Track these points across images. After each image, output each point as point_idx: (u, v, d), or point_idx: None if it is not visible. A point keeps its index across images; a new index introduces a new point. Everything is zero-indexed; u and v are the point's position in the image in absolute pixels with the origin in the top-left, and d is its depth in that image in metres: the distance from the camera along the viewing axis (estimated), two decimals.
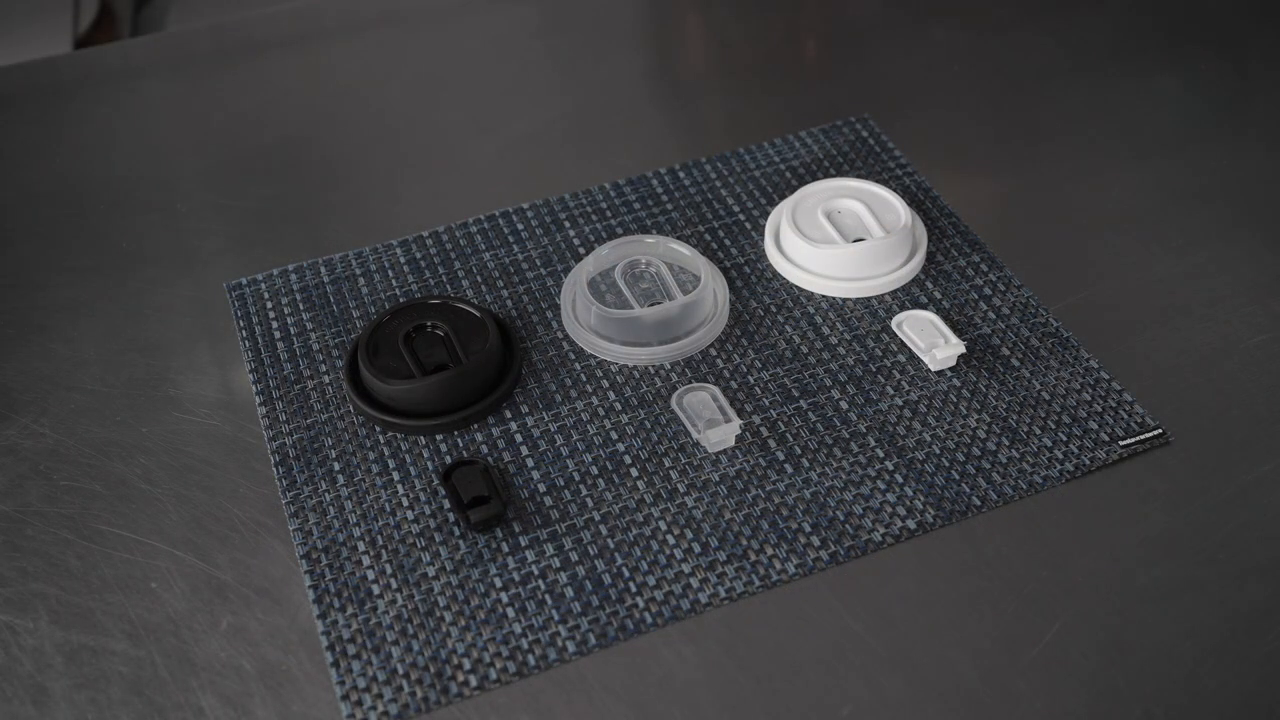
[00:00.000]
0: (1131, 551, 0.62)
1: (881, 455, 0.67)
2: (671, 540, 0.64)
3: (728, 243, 0.80)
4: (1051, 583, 0.61)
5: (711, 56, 1.04)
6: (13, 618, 0.62)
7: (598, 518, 0.65)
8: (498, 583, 0.62)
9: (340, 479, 0.67)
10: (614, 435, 0.69)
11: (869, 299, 0.76)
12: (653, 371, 0.72)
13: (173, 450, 0.69)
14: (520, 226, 0.82)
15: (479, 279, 0.79)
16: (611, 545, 0.64)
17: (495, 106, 0.94)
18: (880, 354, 0.72)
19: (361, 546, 0.64)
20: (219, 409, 0.72)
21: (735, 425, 0.67)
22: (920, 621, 0.60)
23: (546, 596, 0.62)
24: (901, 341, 0.73)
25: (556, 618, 0.61)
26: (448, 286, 0.78)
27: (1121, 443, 0.67)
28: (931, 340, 0.72)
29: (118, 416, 0.71)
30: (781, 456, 0.67)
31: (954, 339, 0.72)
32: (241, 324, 0.76)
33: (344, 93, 0.97)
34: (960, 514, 0.64)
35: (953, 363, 0.71)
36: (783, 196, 0.83)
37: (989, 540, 0.63)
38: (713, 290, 0.74)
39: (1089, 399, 0.69)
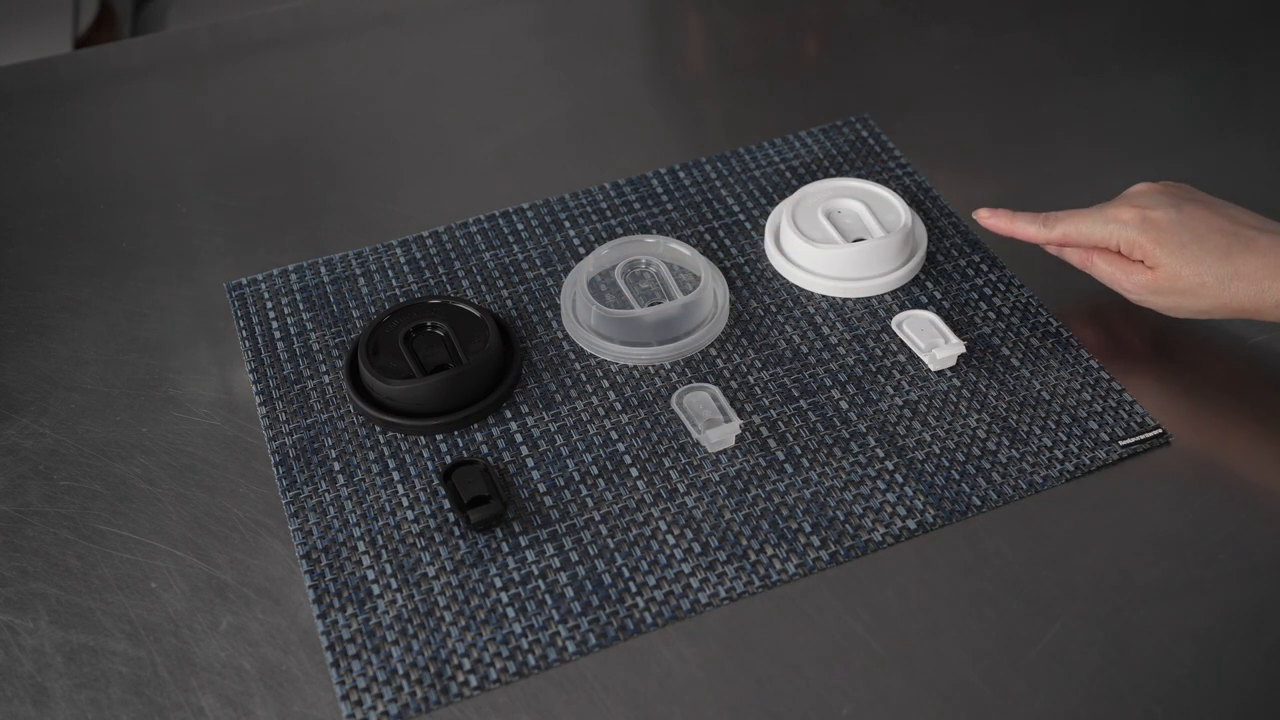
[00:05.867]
0: (1131, 551, 0.62)
1: (881, 455, 0.67)
2: (671, 540, 0.64)
3: (728, 243, 0.80)
4: (1051, 583, 0.61)
5: (711, 56, 1.04)
6: (13, 618, 0.62)
7: (598, 518, 0.65)
8: (498, 583, 0.62)
9: (340, 479, 0.67)
10: (614, 435, 0.69)
11: (869, 299, 0.76)
12: (653, 371, 0.72)
13: (173, 450, 0.69)
14: (520, 226, 0.82)
15: (479, 279, 0.79)
16: (611, 545, 0.64)
17: (495, 106, 0.94)
18: (880, 354, 0.72)
19: (361, 546, 0.64)
20: (219, 409, 0.72)
21: (735, 425, 0.67)
22: (920, 621, 0.60)
23: (546, 596, 0.62)
24: (901, 341, 0.73)
25: (556, 618, 0.61)
26: (448, 286, 0.78)
27: (1121, 443, 0.67)
28: (931, 340, 0.72)
29: (118, 416, 0.71)
30: (781, 456, 0.67)
31: (954, 339, 0.72)
32: (241, 324, 0.76)
33: (344, 93, 0.97)
34: (960, 514, 0.64)
35: (953, 363, 0.71)
36: (783, 196, 0.83)
37: (989, 540, 0.63)
38: (713, 290, 0.74)
39: (1089, 399, 0.69)
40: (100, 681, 0.59)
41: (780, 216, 0.79)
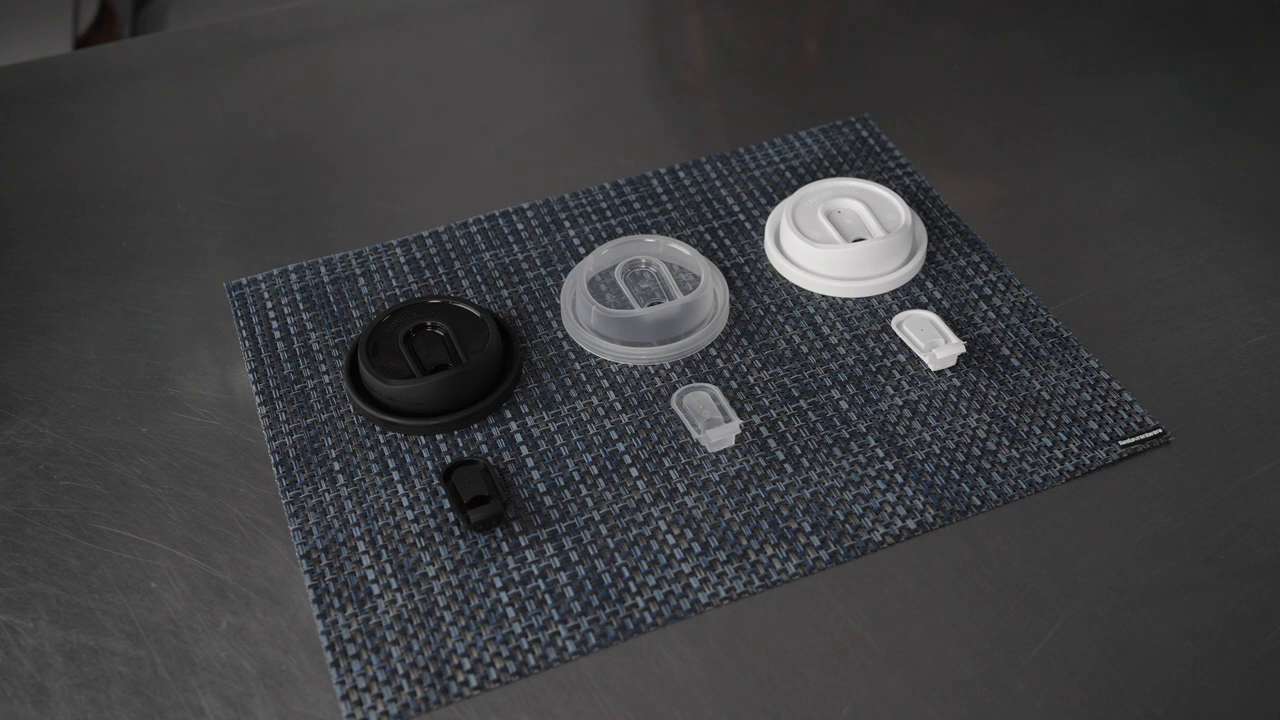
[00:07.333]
0: (1131, 551, 0.62)
1: (881, 455, 0.67)
2: (671, 540, 0.64)
3: (728, 243, 0.80)
4: (1051, 583, 0.61)
5: (711, 56, 1.04)
6: (13, 618, 0.62)
7: (598, 518, 0.65)
8: (498, 583, 0.62)
9: (340, 479, 0.67)
10: (614, 435, 0.69)
11: (869, 299, 0.76)
12: (653, 371, 0.72)
13: (173, 450, 0.69)
14: (520, 226, 0.82)
15: (479, 279, 0.79)
16: (611, 545, 0.64)
17: (495, 106, 0.94)
18: (880, 354, 0.72)
19: (361, 546, 0.64)
20: (219, 409, 0.72)
21: (735, 425, 0.67)
22: (920, 621, 0.60)
23: (546, 596, 0.62)
24: (901, 341, 0.73)
25: (556, 618, 0.61)
26: (448, 286, 0.78)
27: (1121, 443, 0.67)
28: (931, 340, 0.72)
29: (118, 416, 0.71)
30: (781, 456, 0.67)
31: (954, 339, 0.72)
32: (241, 324, 0.76)
33: (344, 93, 0.97)
34: (960, 514, 0.64)
35: (953, 363, 0.71)
36: (783, 196, 0.83)
37: (989, 540, 0.63)
38: (713, 290, 0.74)
39: (1089, 399, 0.69)
40: (100, 681, 0.59)
41: (780, 216, 0.79)
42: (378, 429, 0.70)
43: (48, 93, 0.99)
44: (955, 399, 0.70)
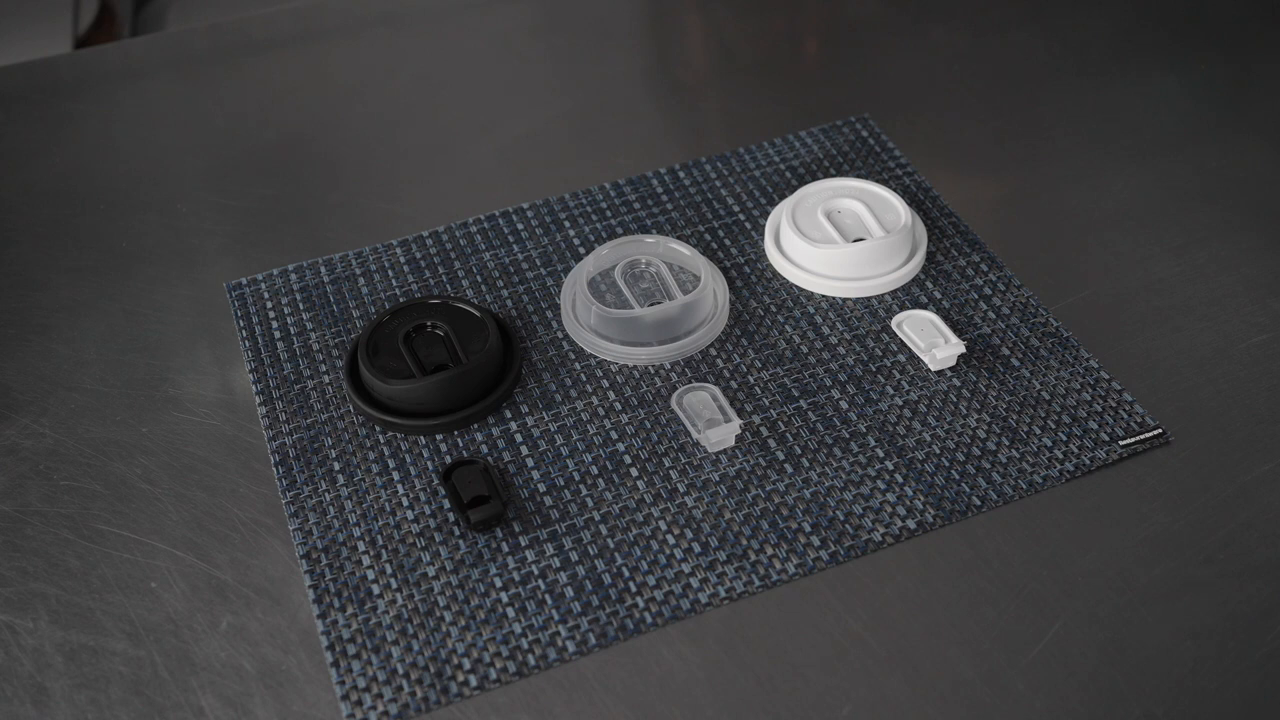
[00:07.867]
0: (1131, 551, 0.62)
1: (881, 455, 0.67)
2: (671, 540, 0.64)
3: (728, 243, 0.80)
4: (1051, 583, 0.61)
5: (711, 56, 1.04)
6: (13, 618, 0.62)
7: (598, 518, 0.65)
8: (498, 583, 0.62)
9: (340, 479, 0.67)
10: (614, 435, 0.69)
11: (869, 299, 0.76)
12: (653, 371, 0.72)
13: (173, 450, 0.69)
14: (520, 226, 0.82)
15: (479, 279, 0.79)
16: (611, 545, 0.64)
17: (495, 106, 0.94)
18: (880, 354, 0.72)
19: (361, 546, 0.64)
20: (219, 409, 0.72)
21: (735, 425, 0.67)
22: (920, 621, 0.60)
23: (546, 596, 0.62)
24: (901, 341, 0.73)
25: (556, 618, 0.61)
26: (448, 286, 0.78)
27: (1121, 443, 0.67)
28: (931, 340, 0.72)
29: (118, 416, 0.71)
30: (781, 456, 0.67)
31: (954, 339, 0.72)
32: (241, 324, 0.76)
33: (344, 93, 0.97)
34: (960, 514, 0.64)
35: (953, 363, 0.71)
36: (783, 196, 0.83)
37: (989, 540, 0.63)
38: (713, 290, 0.74)
39: (1089, 399, 0.69)
40: (100, 681, 0.59)
41: (780, 216, 0.79)
42: (378, 429, 0.70)
43: (48, 93, 0.99)
44: (955, 399, 0.70)
